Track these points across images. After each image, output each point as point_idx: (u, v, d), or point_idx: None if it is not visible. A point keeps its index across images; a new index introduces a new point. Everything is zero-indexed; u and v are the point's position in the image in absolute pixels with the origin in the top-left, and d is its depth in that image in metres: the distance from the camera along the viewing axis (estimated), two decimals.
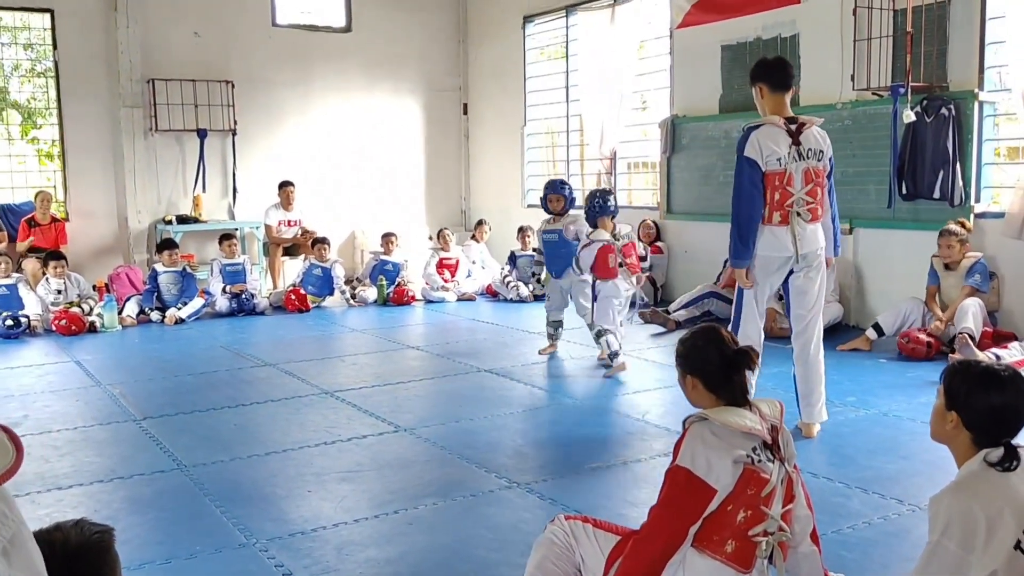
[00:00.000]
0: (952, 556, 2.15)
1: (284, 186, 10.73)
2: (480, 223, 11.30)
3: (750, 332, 4.74)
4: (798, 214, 4.64)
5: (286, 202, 10.73)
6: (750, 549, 2.44)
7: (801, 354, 4.82)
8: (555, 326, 7.00)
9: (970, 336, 6.31)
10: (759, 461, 2.43)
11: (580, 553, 2.64)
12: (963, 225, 6.91)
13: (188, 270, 9.32)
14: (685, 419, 2.52)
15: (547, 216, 6.94)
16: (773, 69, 4.75)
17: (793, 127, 4.62)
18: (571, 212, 6.84)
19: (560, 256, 6.74)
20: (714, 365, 2.54)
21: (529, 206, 11.74)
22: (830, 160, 4.79)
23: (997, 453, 2.23)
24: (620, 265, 6.36)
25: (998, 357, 5.98)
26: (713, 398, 2.54)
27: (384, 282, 10.05)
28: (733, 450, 2.40)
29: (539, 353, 6.97)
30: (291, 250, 10.82)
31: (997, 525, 2.13)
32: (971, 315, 6.44)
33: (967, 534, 2.14)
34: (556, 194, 6.81)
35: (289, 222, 10.79)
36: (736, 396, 2.53)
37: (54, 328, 8.28)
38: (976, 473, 2.24)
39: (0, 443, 1.47)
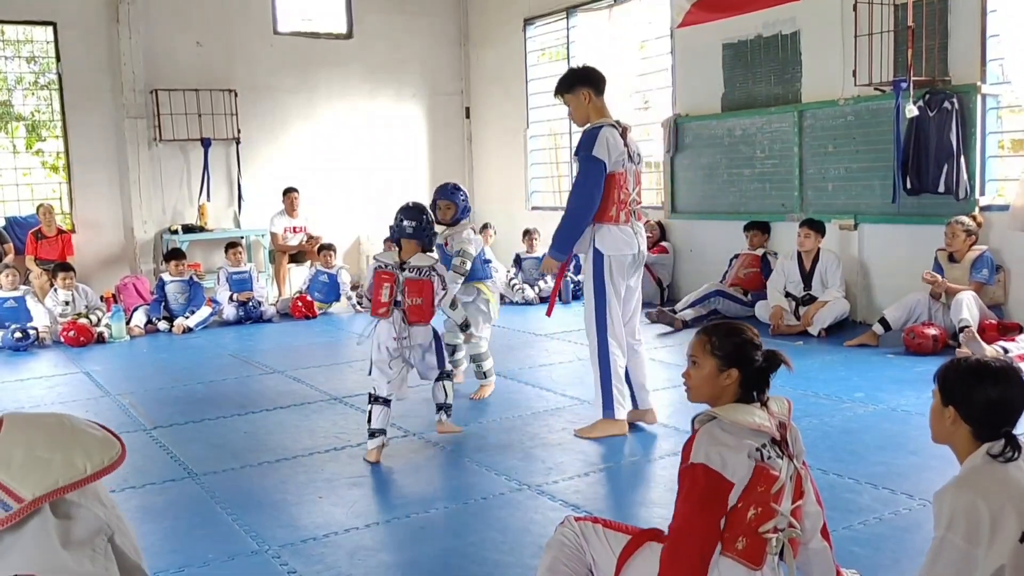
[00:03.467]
0: (959, 551, 2.16)
1: (288, 192, 10.77)
2: (485, 227, 11.29)
3: (619, 336, 4.85)
4: (633, 212, 4.85)
5: (290, 208, 10.77)
6: (761, 546, 2.44)
7: (631, 346, 4.98)
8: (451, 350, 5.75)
9: (968, 328, 6.33)
10: (768, 458, 2.45)
11: (591, 554, 2.65)
12: (974, 219, 6.90)
13: (195, 279, 9.35)
14: (694, 418, 2.53)
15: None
16: (595, 76, 4.88)
17: (620, 129, 4.79)
18: (461, 222, 5.93)
19: None
20: (756, 365, 2.55)
21: (534, 208, 11.76)
22: None
23: (999, 444, 2.24)
24: (396, 304, 4.65)
25: (1006, 351, 5.98)
26: (741, 393, 2.55)
27: None
28: (744, 444, 2.43)
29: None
30: (297, 257, 10.85)
31: (1000, 520, 2.14)
32: (965, 307, 6.44)
33: (972, 528, 2.14)
34: (447, 200, 5.88)
35: (294, 228, 10.83)
36: (760, 395, 2.56)
37: (62, 339, 8.31)
38: (979, 468, 2.25)
39: (105, 438, 1.66)
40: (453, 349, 5.86)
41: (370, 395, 4.65)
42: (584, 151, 4.72)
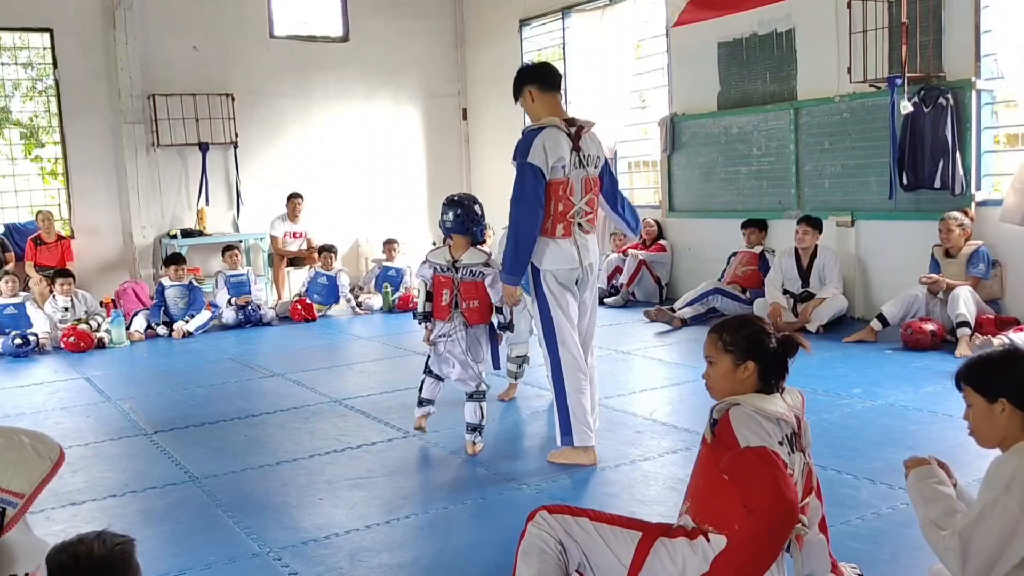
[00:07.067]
0: (1011, 515, 2.18)
1: (292, 198, 10.79)
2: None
3: (573, 352, 4.38)
4: (579, 225, 4.39)
5: (292, 214, 10.79)
6: None
7: (590, 371, 4.53)
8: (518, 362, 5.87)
9: (966, 323, 6.35)
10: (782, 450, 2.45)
11: (583, 553, 2.56)
12: (965, 214, 6.93)
13: (194, 283, 9.37)
14: (713, 407, 2.53)
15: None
16: (540, 70, 4.51)
17: (572, 130, 4.33)
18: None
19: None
20: (771, 353, 2.53)
21: None
22: (606, 163, 4.54)
23: None
24: (455, 306, 4.63)
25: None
26: (759, 384, 2.54)
27: (389, 289, 10.09)
28: (773, 431, 2.43)
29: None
30: (295, 261, 10.87)
31: None
32: (962, 301, 6.47)
33: None
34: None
35: (295, 234, 10.85)
36: (779, 384, 2.56)
37: (63, 345, 8.32)
38: None
39: (44, 436, 1.74)
40: (520, 360, 5.85)
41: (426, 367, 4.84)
42: (520, 157, 4.27)
